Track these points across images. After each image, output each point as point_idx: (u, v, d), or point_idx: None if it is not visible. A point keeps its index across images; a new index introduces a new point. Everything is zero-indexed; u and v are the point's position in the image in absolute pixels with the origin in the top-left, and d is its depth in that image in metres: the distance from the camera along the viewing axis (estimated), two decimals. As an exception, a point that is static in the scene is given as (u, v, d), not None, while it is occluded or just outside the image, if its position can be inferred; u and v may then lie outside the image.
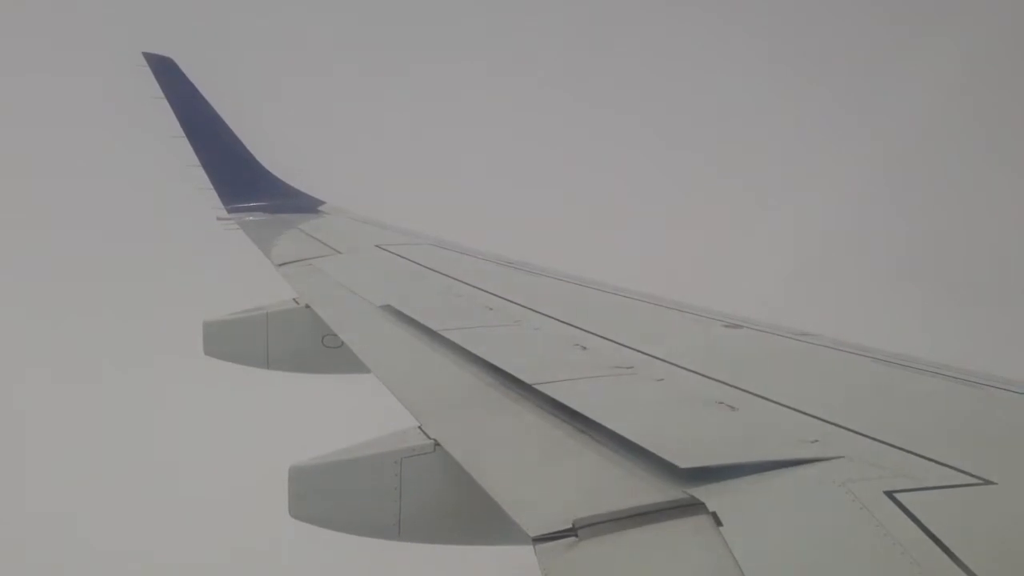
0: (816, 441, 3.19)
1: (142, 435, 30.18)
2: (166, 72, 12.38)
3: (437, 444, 3.87)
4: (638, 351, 4.73)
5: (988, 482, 2.76)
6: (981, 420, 3.74)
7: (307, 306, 7.24)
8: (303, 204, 12.90)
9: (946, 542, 2.36)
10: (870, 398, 4.06)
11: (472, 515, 3.79)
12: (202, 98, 12.56)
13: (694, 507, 2.80)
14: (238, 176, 12.75)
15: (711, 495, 2.82)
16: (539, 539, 2.79)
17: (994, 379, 4.11)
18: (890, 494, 2.68)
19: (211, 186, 12.66)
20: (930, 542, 2.37)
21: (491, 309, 6.12)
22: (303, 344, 7.27)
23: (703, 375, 4.21)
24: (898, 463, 2.95)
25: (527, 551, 2.79)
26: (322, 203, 13.03)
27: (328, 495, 4.06)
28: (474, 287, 6.94)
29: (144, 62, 12.27)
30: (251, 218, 12.31)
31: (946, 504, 2.66)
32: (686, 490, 2.90)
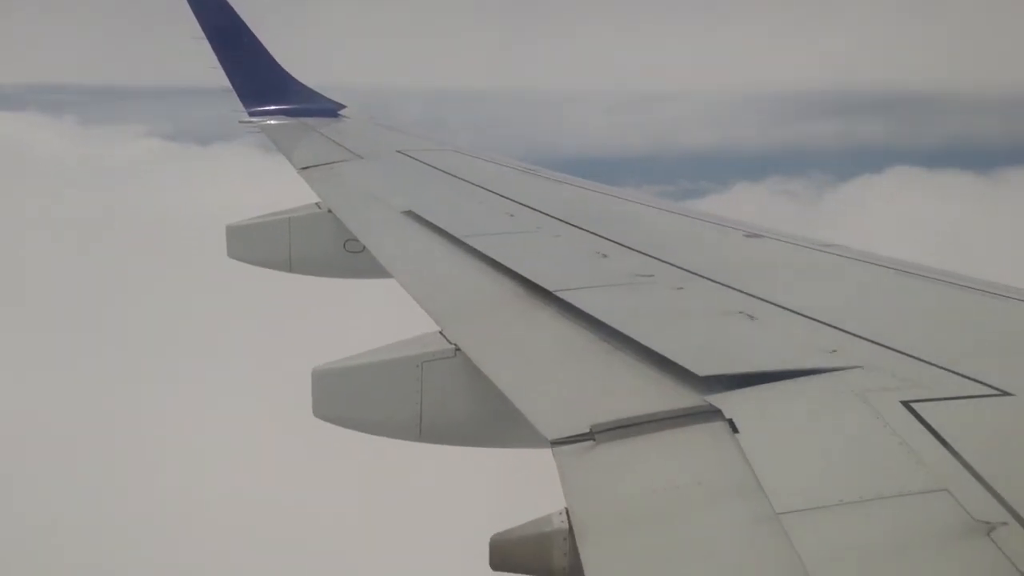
0: (834, 351, 3.20)
1: (165, 336, 30.72)
2: None
3: (458, 349, 3.91)
4: (658, 259, 4.72)
5: (1006, 393, 2.76)
6: (1000, 331, 3.73)
7: (329, 211, 7.25)
8: (324, 108, 12.78)
9: (961, 452, 2.38)
10: (889, 308, 4.06)
11: (491, 418, 3.85)
12: (224, 1, 12.34)
13: (711, 414, 2.83)
14: (259, 79, 12.60)
15: (728, 403, 2.85)
16: (557, 442, 2.84)
17: (1014, 290, 4.08)
18: (907, 404, 2.69)
19: (232, 89, 12.55)
20: (946, 452, 2.40)
21: (512, 216, 6.10)
22: (325, 249, 7.29)
23: (723, 284, 4.21)
24: (915, 373, 2.96)
25: (545, 453, 2.84)
26: (343, 107, 12.91)
27: (350, 397, 4.14)
28: (496, 193, 6.90)
29: None
30: (272, 122, 12.23)
31: (962, 414, 2.68)
32: (704, 397, 2.92)
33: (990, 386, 2.81)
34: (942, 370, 2.96)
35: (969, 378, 2.88)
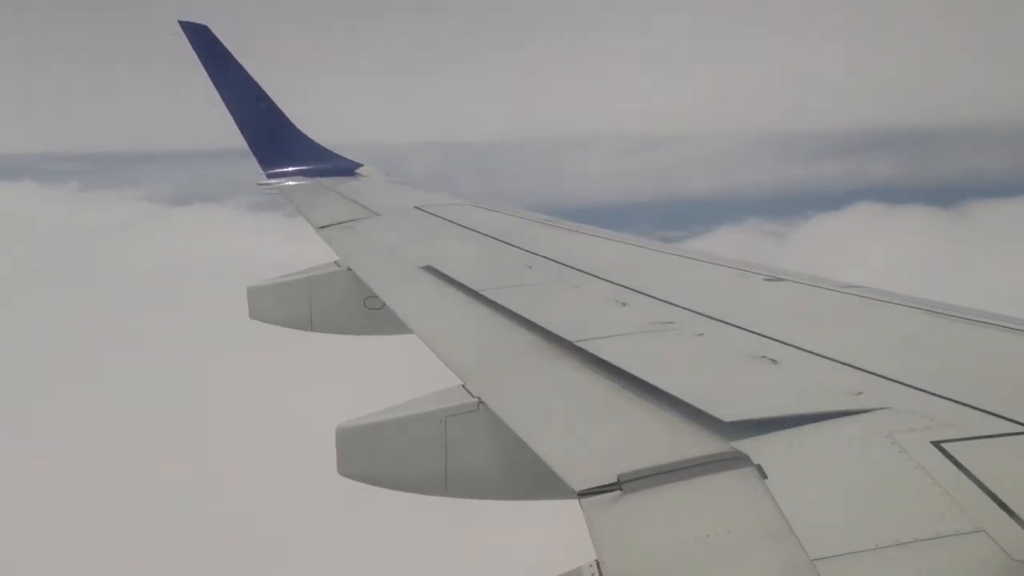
0: (860, 393, 3.17)
1: (190, 398, 30.82)
2: (202, 40, 12.42)
3: (480, 402, 3.91)
4: (678, 306, 4.71)
5: None
6: None
7: (349, 269, 7.30)
8: (341, 167, 12.95)
9: (996, 491, 2.34)
10: (914, 348, 4.02)
11: (517, 471, 3.83)
12: (239, 64, 12.59)
13: (738, 460, 2.81)
14: (276, 141, 12.81)
15: (755, 448, 2.83)
16: (584, 493, 2.82)
17: None
18: (937, 444, 2.66)
19: (250, 152, 12.77)
20: (980, 491, 2.36)
21: (531, 268, 6.12)
22: (346, 306, 7.33)
23: (744, 329, 4.19)
24: (944, 413, 2.92)
25: (572, 505, 2.82)
26: (359, 165, 13.07)
27: (375, 454, 4.13)
28: (513, 246, 6.94)
29: (180, 31, 12.32)
30: (291, 183, 12.41)
31: (995, 453, 2.64)
32: (730, 444, 2.90)
33: (1022, 423, 2.77)
34: (971, 408, 2.93)
35: (999, 416, 2.84)
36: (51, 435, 29.13)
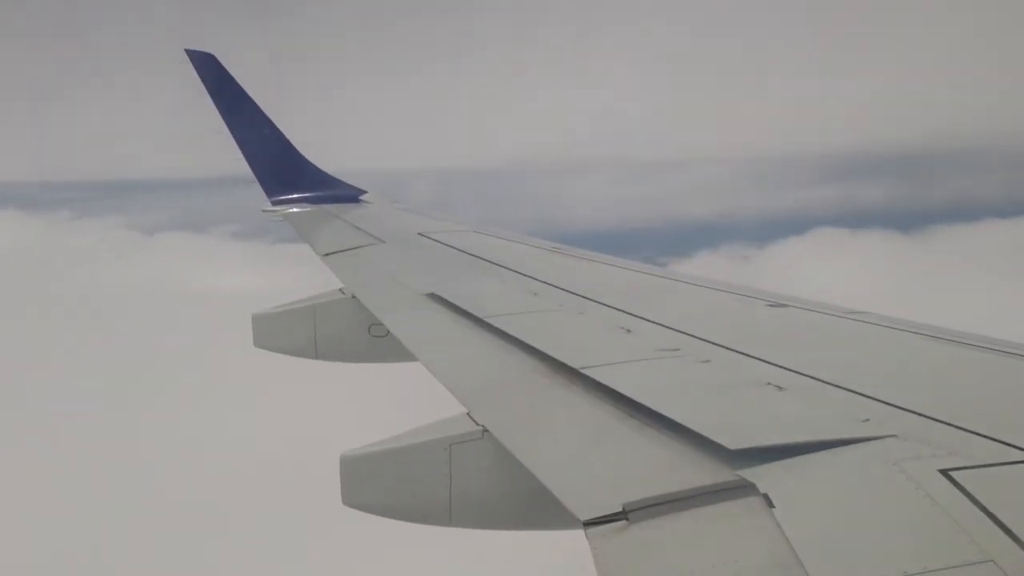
0: (867, 420, 3.15)
1: (195, 426, 30.75)
2: (208, 68, 12.52)
3: (485, 430, 3.89)
4: (683, 333, 4.70)
5: None
6: None
7: (353, 296, 7.30)
8: (345, 194, 13.00)
9: (1004, 520, 2.32)
10: (921, 375, 4.00)
11: (522, 500, 3.81)
12: (244, 92, 12.68)
13: (745, 489, 2.79)
14: (281, 168, 12.87)
15: (762, 476, 2.81)
16: (589, 523, 2.80)
17: None
18: (945, 472, 2.64)
19: (254, 179, 12.83)
20: (988, 520, 2.34)
21: (535, 294, 6.12)
22: (350, 334, 7.32)
23: (749, 355, 4.18)
24: (952, 441, 2.90)
25: (578, 535, 2.80)
26: (363, 192, 13.12)
27: (379, 483, 4.11)
28: (518, 272, 6.94)
29: (186, 59, 12.42)
30: (295, 209, 12.45)
31: (1003, 481, 2.62)
32: (736, 472, 2.88)
33: None
34: (979, 436, 2.91)
35: (1007, 443, 2.82)
36: (50, 460, 29.03)
